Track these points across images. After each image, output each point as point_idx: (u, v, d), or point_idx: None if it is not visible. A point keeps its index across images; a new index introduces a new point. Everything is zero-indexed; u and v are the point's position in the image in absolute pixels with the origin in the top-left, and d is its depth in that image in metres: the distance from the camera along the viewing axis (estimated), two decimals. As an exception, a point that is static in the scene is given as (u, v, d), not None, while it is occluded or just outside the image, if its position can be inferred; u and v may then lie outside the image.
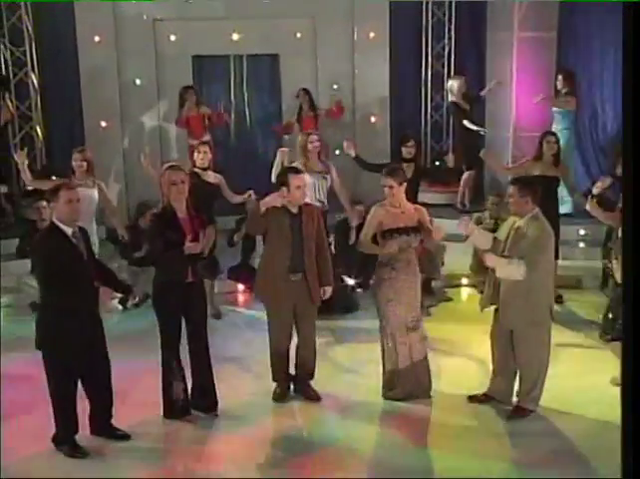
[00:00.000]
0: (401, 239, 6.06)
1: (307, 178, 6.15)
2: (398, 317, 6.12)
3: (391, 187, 6.05)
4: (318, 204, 7.47)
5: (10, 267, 8.86)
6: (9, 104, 10.48)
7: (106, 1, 10.86)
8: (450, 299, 8.69)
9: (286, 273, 6.04)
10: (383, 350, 6.25)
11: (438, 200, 10.76)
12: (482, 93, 10.75)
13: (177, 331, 5.87)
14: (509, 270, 5.61)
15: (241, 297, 8.84)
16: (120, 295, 8.09)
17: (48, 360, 5.34)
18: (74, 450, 5.44)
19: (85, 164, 7.65)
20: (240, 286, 8.87)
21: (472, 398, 6.16)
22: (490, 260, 5.72)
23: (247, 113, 11.83)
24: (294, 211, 6.08)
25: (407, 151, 8.43)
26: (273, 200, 5.99)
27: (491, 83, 10.61)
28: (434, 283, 8.61)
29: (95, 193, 7.73)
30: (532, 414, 5.89)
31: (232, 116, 11.65)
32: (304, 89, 11.00)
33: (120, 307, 8.47)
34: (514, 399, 6.00)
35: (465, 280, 9.02)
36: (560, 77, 9.97)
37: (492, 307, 6.00)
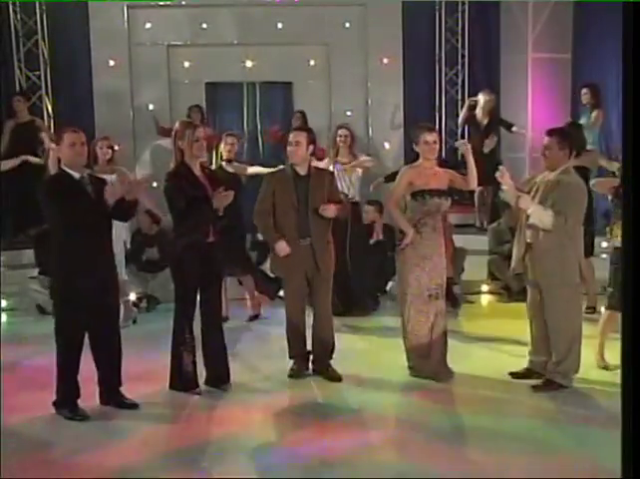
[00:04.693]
0: (431, 202, 5.85)
1: (296, 136, 5.94)
2: (420, 284, 5.87)
3: (435, 142, 5.88)
4: (342, 196, 7.28)
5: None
6: None
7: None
8: (472, 302, 8.65)
9: (296, 238, 5.82)
10: (403, 322, 5.97)
11: (455, 220, 10.55)
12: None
13: (194, 297, 5.61)
14: (542, 216, 5.37)
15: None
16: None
17: (58, 308, 5.15)
18: (74, 413, 5.14)
19: (110, 151, 7.53)
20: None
21: (513, 374, 5.85)
22: (525, 203, 5.44)
23: (260, 141, 11.76)
24: (302, 172, 5.92)
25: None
26: None
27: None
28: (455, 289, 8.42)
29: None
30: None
31: (245, 144, 11.57)
32: (300, 111, 10.88)
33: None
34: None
35: (484, 287, 9.09)
36: (585, 90, 9.75)
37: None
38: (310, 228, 5.83)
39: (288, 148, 5.94)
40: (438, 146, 5.94)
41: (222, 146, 7.86)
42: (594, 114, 9.43)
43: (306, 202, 5.84)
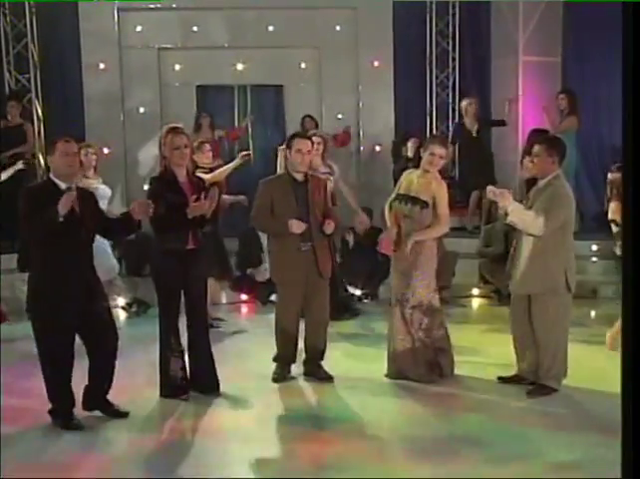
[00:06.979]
0: (397, 207, 5.87)
1: (309, 145, 5.89)
2: (393, 287, 5.98)
3: (441, 157, 5.79)
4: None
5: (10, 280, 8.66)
6: None
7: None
8: (464, 306, 8.68)
9: (297, 243, 5.78)
10: None
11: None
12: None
13: (177, 303, 5.55)
14: (522, 214, 5.30)
15: (244, 308, 8.53)
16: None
17: (38, 320, 4.97)
18: (68, 423, 5.03)
19: (94, 158, 7.50)
20: (243, 296, 8.58)
21: (501, 379, 5.85)
22: (506, 199, 5.29)
23: (251, 144, 11.73)
24: (299, 179, 5.89)
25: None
26: None
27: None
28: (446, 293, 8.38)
29: (107, 188, 7.58)
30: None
31: (236, 147, 11.53)
32: (309, 115, 10.89)
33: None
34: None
35: (475, 291, 9.10)
36: (562, 96, 9.82)
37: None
38: (312, 232, 5.81)
39: (297, 156, 5.81)
40: (443, 161, 5.82)
41: (200, 154, 7.48)
42: (566, 120, 9.54)
43: (306, 207, 5.81)
